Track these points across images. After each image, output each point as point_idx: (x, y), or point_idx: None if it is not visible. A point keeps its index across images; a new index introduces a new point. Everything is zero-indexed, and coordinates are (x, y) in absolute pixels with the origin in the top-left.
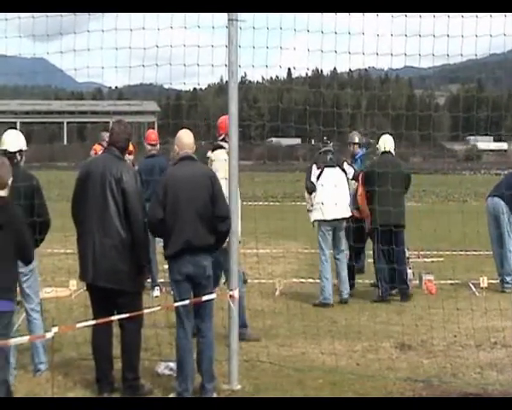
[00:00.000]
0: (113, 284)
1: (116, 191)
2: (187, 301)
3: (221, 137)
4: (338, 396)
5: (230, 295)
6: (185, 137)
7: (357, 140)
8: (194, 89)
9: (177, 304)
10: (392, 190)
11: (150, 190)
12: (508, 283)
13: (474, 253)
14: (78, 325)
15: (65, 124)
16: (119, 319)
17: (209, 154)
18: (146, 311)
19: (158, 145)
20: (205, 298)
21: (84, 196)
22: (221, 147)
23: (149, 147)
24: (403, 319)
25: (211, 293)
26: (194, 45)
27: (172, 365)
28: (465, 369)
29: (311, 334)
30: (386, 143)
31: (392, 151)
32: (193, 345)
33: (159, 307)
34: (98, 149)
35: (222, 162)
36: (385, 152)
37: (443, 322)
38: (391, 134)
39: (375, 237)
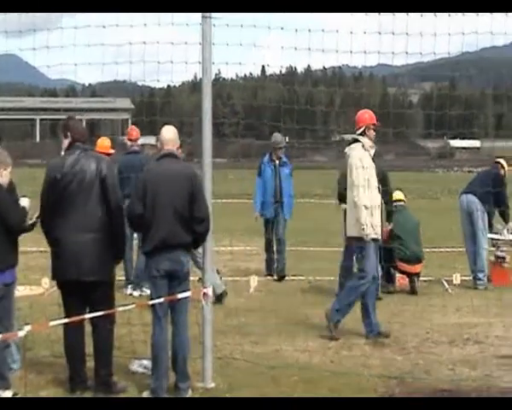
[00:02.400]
0: (97, 276)
1: (96, 184)
2: (162, 299)
3: (359, 131)
4: (312, 393)
5: (204, 293)
6: (168, 134)
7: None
8: (168, 86)
9: (152, 302)
10: None
11: (130, 186)
12: (480, 279)
13: (447, 250)
14: (52, 323)
15: (37, 121)
16: (92, 317)
17: (346, 149)
18: (120, 309)
19: (140, 141)
20: (180, 296)
21: (61, 196)
22: (357, 140)
23: (130, 143)
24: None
25: (188, 290)
26: (168, 42)
27: (146, 362)
28: (438, 365)
29: (285, 331)
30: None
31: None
32: (168, 343)
33: (133, 305)
34: None
35: (356, 156)
36: None
37: (416, 319)
38: None
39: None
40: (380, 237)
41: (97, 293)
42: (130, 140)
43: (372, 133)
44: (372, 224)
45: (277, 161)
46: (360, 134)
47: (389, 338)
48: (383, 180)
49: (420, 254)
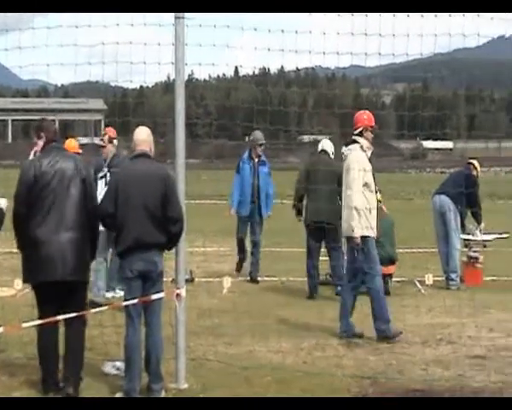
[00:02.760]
0: (79, 276)
1: (76, 184)
2: (136, 300)
3: (356, 131)
4: (285, 394)
5: (177, 294)
6: (141, 135)
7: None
8: (141, 87)
9: (125, 303)
10: (324, 188)
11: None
12: (453, 280)
13: (420, 250)
14: (24, 325)
15: (9, 122)
16: (65, 318)
17: (343, 149)
18: (93, 310)
19: (116, 141)
20: (154, 297)
21: (39, 195)
22: (355, 141)
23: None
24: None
25: (161, 290)
26: (141, 43)
27: (119, 364)
28: (411, 365)
29: (259, 332)
30: (324, 143)
31: (329, 152)
32: (141, 344)
33: (106, 307)
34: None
35: (354, 157)
36: (321, 152)
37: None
38: (334, 134)
39: (307, 234)
40: (374, 235)
41: (76, 294)
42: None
43: (370, 135)
44: (371, 225)
45: (256, 160)
46: (357, 135)
47: (362, 339)
48: (338, 180)
49: (394, 256)
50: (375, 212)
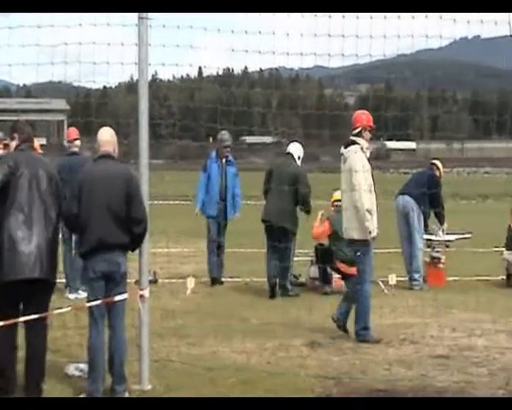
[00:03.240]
0: (49, 275)
1: (51, 184)
2: (99, 301)
3: (355, 132)
4: (249, 394)
5: (141, 295)
6: (105, 135)
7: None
8: (104, 87)
9: (89, 304)
10: (278, 189)
11: (69, 188)
12: (416, 280)
13: (383, 250)
14: None
15: None
16: (26, 319)
17: (342, 150)
18: (56, 311)
19: (78, 142)
20: (117, 298)
21: (15, 195)
22: (354, 143)
23: (68, 145)
24: (313, 317)
25: (124, 292)
26: (104, 43)
27: (82, 366)
28: (374, 365)
29: (222, 333)
30: (290, 146)
31: (294, 154)
32: (105, 345)
33: (69, 308)
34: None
35: (357, 155)
36: (287, 154)
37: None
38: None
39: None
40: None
41: (42, 294)
42: (69, 142)
43: (368, 135)
44: (374, 226)
45: (224, 160)
46: (356, 135)
47: (326, 339)
48: (293, 181)
49: None
50: (375, 214)
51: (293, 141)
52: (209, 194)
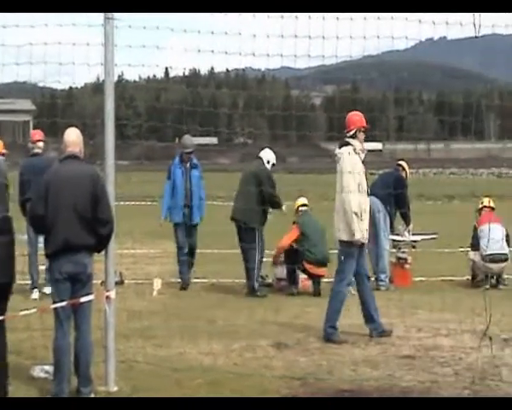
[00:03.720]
0: (9, 278)
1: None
2: (65, 303)
3: (350, 134)
4: (216, 396)
5: (107, 296)
6: (71, 136)
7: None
8: (70, 87)
9: (54, 305)
10: (243, 189)
11: (33, 189)
12: (382, 280)
13: None
14: None
15: None
16: None
17: (336, 150)
18: (21, 313)
19: (41, 144)
20: (83, 299)
21: None
22: (348, 144)
23: (32, 145)
24: (279, 318)
25: (90, 293)
26: (70, 43)
27: (48, 367)
28: (340, 366)
29: (189, 334)
30: (262, 151)
31: (264, 158)
32: (70, 347)
33: (34, 310)
34: None
35: (347, 160)
36: (257, 157)
37: (319, 320)
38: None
39: None
40: (366, 241)
41: (5, 296)
42: (32, 143)
43: (362, 136)
44: (361, 228)
45: (188, 164)
46: (350, 137)
47: (292, 340)
48: (257, 181)
49: (327, 257)
50: (366, 216)
51: (265, 147)
52: (174, 199)
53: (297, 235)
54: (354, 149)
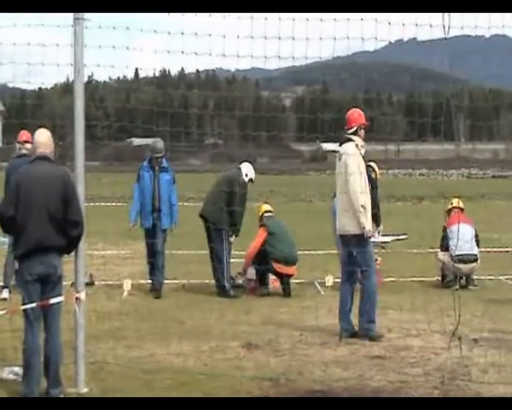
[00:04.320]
0: None
1: None
2: (35, 304)
3: (351, 131)
4: (186, 396)
5: (77, 298)
6: (42, 137)
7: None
8: (40, 88)
9: (24, 307)
10: (215, 189)
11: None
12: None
13: (320, 252)
14: None
15: None
16: None
17: (337, 147)
18: None
19: (29, 145)
20: (53, 301)
21: None
22: (350, 140)
23: (19, 146)
24: (250, 319)
25: (60, 294)
26: (39, 44)
27: (17, 369)
28: (311, 366)
29: (159, 335)
30: (243, 164)
31: (243, 169)
32: (40, 348)
33: (4, 311)
34: None
35: (352, 156)
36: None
37: (289, 321)
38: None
39: None
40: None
41: None
42: (20, 143)
43: (363, 133)
44: (368, 221)
45: (157, 167)
46: (351, 134)
47: (263, 341)
48: (230, 183)
49: (295, 256)
50: (369, 213)
51: (246, 161)
52: (142, 204)
53: (265, 236)
54: (356, 145)
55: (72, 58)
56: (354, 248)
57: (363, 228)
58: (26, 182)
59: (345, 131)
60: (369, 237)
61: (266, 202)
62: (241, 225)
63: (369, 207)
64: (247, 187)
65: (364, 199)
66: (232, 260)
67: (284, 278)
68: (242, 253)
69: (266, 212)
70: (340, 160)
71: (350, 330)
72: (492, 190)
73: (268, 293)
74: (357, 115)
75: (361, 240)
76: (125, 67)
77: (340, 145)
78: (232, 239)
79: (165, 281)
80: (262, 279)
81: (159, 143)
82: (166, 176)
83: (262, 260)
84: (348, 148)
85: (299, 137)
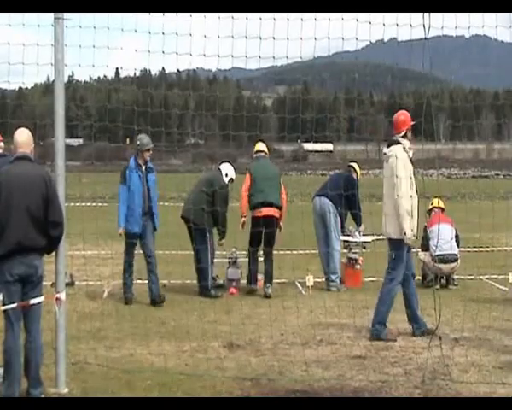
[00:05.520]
0: None
1: None
2: (15, 305)
3: (400, 134)
4: (167, 396)
5: (57, 298)
6: (22, 136)
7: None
8: (20, 88)
9: (5, 307)
10: (197, 190)
11: None
12: (333, 281)
13: (300, 252)
14: None
15: None
16: None
17: (384, 149)
18: None
19: (1, 144)
20: (33, 301)
21: None
22: (397, 142)
23: None
24: (231, 319)
25: (41, 295)
26: (19, 44)
27: None
28: (292, 366)
29: (140, 335)
30: (223, 164)
31: (223, 170)
32: (21, 348)
33: None
34: None
35: (400, 160)
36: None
37: (270, 321)
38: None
39: None
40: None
41: None
42: None
43: (410, 135)
44: (412, 226)
45: (144, 167)
46: (401, 137)
47: (244, 341)
48: (211, 183)
49: (273, 200)
50: (415, 213)
51: (226, 161)
52: (130, 208)
53: (249, 183)
54: (404, 148)
55: (53, 58)
56: (393, 253)
57: (404, 234)
58: (6, 182)
59: (393, 134)
60: (407, 245)
61: (261, 140)
62: (226, 226)
63: (414, 212)
64: (227, 187)
65: (410, 204)
66: (215, 260)
67: (267, 221)
68: (224, 253)
69: (257, 152)
70: (387, 162)
71: (421, 328)
72: (473, 190)
73: (257, 289)
74: (405, 118)
75: (397, 244)
76: (105, 67)
77: (388, 147)
78: (222, 242)
79: (145, 281)
80: (251, 277)
81: (145, 137)
82: (153, 176)
83: (252, 258)
84: (396, 150)
85: (279, 136)
